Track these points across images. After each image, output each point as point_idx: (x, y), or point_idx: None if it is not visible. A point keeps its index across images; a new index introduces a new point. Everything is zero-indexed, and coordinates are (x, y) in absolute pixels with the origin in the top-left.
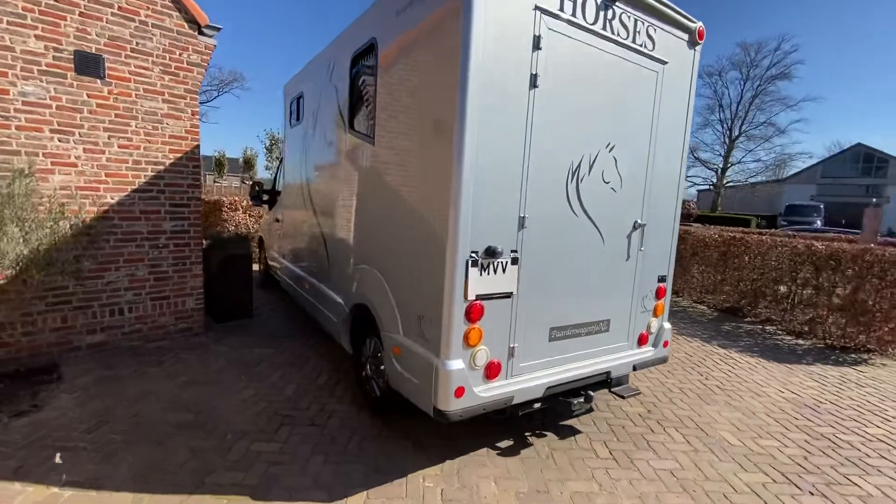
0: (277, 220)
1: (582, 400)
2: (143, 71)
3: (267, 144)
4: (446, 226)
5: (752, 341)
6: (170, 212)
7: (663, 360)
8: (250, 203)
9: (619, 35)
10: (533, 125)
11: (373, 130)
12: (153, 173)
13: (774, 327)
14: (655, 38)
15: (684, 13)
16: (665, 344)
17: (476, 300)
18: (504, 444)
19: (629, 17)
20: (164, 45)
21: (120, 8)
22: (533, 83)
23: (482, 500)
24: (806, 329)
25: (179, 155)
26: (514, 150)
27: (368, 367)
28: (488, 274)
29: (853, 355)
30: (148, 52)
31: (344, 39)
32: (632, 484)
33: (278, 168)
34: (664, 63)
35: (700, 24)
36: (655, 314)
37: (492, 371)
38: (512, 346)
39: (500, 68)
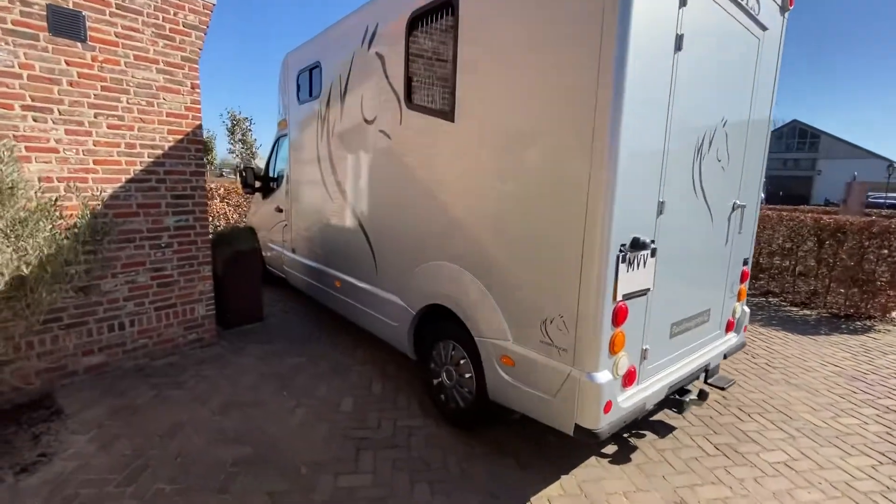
0: (280, 210)
1: (696, 397)
2: (132, 33)
3: (228, 126)
4: (596, 216)
5: (766, 314)
6: (172, 205)
7: (743, 345)
8: (243, 191)
9: None
10: (675, 94)
11: (451, 105)
12: (151, 159)
13: (777, 299)
14: (761, 0)
15: None
16: (745, 329)
17: (622, 301)
18: (609, 449)
19: None
20: (156, 1)
21: None
22: (678, 45)
23: None
24: (808, 300)
25: (180, 137)
26: (658, 122)
27: (445, 375)
28: (634, 270)
29: (858, 323)
30: (137, 10)
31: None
32: (759, 483)
33: (273, 152)
34: (765, 29)
35: None
36: (739, 298)
37: (629, 378)
38: (644, 347)
39: (653, 24)
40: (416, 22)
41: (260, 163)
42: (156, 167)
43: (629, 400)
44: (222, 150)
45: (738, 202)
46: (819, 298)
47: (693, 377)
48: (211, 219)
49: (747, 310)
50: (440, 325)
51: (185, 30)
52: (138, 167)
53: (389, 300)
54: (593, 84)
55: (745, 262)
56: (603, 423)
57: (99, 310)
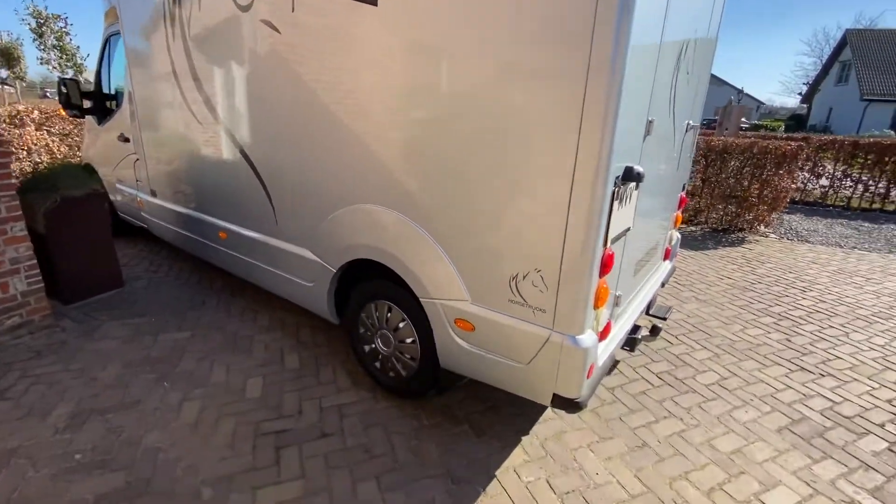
0: (126, 140)
1: (648, 333)
2: None
3: (33, 25)
4: (594, 135)
5: None
6: None
7: (674, 271)
8: (66, 114)
9: None
10: None
11: None
12: None
13: None
14: None
15: None
16: (676, 255)
17: (610, 245)
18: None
19: None
20: None
21: None
22: None
23: (596, 480)
24: (693, 217)
25: None
26: (656, 22)
27: (380, 341)
28: (623, 207)
29: (732, 236)
30: None
31: None
32: (703, 409)
33: (103, 57)
34: None
35: None
36: (675, 225)
37: (605, 331)
38: (618, 294)
39: None
40: None
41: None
42: None
43: (604, 354)
44: (33, 60)
45: (691, 122)
46: (703, 215)
47: (643, 312)
48: (25, 154)
49: (679, 235)
50: (371, 283)
51: None
52: None
53: (298, 255)
54: None
55: (684, 188)
56: (586, 390)
57: None
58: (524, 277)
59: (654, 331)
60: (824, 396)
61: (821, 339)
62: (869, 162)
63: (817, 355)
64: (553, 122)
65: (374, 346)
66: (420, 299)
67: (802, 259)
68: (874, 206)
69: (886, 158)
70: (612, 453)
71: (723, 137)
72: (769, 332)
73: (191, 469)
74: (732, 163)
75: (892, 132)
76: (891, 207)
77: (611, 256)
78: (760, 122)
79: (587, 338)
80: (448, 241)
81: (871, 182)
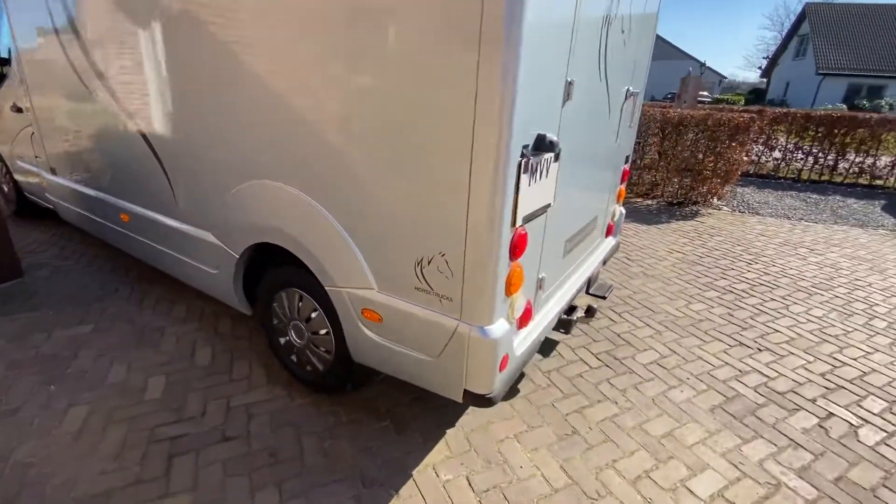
0: (18, 111)
1: (584, 314)
2: None
3: None
4: (492, 103)
5: None
6: None
7: (618, 247)
8: None
9: None
10: None
11: None
12: None
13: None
14: None
15: None
16: (620, 231)
17: (522, 225)
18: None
19: None
20: None
21: None
22: None
23: (519, 474)
24: (650, 191)
25: None
26: None
27: (293, 333)
28: (536, 181)
29: (686, 209)
30: None
31: None
32: (639, 390)
33: None
34: None
35: None
36: (618, 199)
37: (525, 317)
38: (541, 276)
39: None
40: None
41: None
42: None
43: (525, 342)
44: None
45: (631, 89)
46: (659, 189)
47: (581, 291)
48: None
49: (623, 210)
50: (280, 270)
51: None
52: None
53: (200, 239)
54: None
55: (627, 160)
56: (499, 384)
57: None
58: (429, 262)
59: (590, 311)
60: (760, 372)
61: (761, 313)
62: (819, 135)
63: (757, 329)
64: (447, 88)
65: (288, 338)
66: (325, 288)
67: (751, 231)
68: (823, 178)
69: (836, 131)
70: (539, 443)
71: (679, 110)
72: (712, 307)
73: (64, 486)
74: (688, 135)
75: (844, 106)
76: (838, 179)
77: (522, 237)
78: (722, 97)
79: (497, 328)
80: (352, 223)
81: (820, 154)
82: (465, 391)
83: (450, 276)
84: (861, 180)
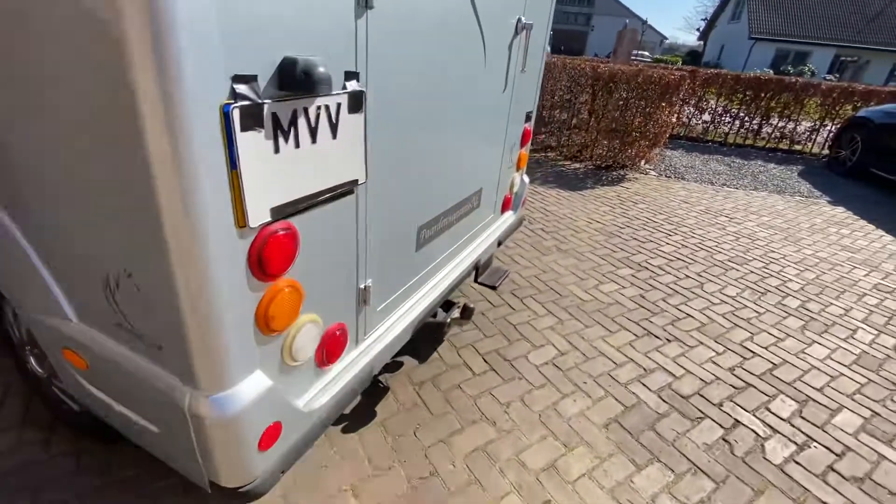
0: None
1: (458, 315)
2: None
3: None
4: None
5: (543, 171)
6: None
7: (522, 222)
8: None
9: None
10: None
11: None
12: None
13: (555, 153)
14: None
15: None
16: (524, 202)
17: (273, 224)
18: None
19: None
20: None
21: None
22: None
23: None
24: (579, 153)
25: None
26: None
27: (34, 361)
28: (292, 142)
29: (614, 173)
30: None
31: None
32: (525, 404)
33: None
34: None
35: None
36: (518, 167)
37: (332, 348)
38: (363, 286)
39: None
40: None
41: None
42: None
43: (337, 383)
44: None
45: (523, 19)
46: (588, 151)
47: (460, 284)
48: None
49: (527, 180)
50: None
51: None
52: None
53: None
54: None
55: (528, 118)
56: (263, 466)
57: None
58: (118, 285)
59: (466, 312)
60: (665, 370)
61: (675, 294)
62: (747, 98)
63: (668, 314)
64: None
65: (30, 364)
66: (17, 314)
67: (675, 198)
68: (747, 142)
69: (763, 94)
70: (384, 496)
71: (612, 65)
72: (624, 288)
73: None
74: (618, 94)
75: (771, 71)
76: (761, 143)
77: (281, 239)
78: (661, 57)
79: (246, 390)
80: (28, 222)
81: (746, 118)
82: (212, 484)
83: (148, 309)
84: (782, 145)
